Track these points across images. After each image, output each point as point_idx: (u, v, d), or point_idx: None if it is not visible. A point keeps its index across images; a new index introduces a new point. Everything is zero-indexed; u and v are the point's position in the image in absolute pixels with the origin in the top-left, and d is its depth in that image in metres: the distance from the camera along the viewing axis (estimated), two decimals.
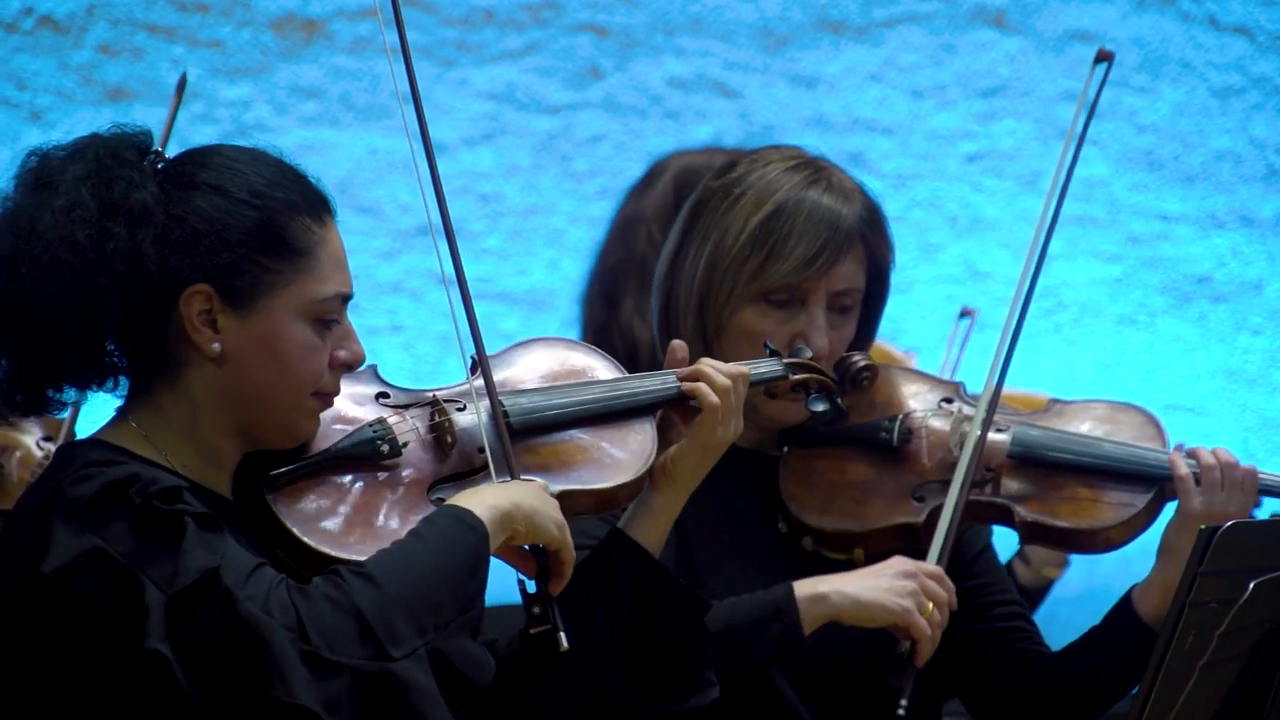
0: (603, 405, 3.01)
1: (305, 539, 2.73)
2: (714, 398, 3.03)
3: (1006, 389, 3.55)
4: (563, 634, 2.75)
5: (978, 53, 6.11)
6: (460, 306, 2.87)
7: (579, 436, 2.98)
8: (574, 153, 6.01)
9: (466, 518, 2.67)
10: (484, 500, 2.70)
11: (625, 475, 2.97)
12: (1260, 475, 3.50)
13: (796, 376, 3.29)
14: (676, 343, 3.14)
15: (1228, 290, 6.13)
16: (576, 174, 6.02)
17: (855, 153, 6.05)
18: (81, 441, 2.72)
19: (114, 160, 2.67)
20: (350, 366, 2.78)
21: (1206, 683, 2.83)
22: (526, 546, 2.79)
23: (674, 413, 3.08)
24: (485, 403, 2.89)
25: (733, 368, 3.08)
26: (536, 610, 2.78)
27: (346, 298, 2.77)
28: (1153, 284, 6.13)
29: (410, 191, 5.89)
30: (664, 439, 3.05)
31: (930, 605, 3.32)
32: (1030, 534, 3.52)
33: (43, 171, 2.67)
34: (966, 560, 3.58)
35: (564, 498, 2.90)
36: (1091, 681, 3.48)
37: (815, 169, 3.49)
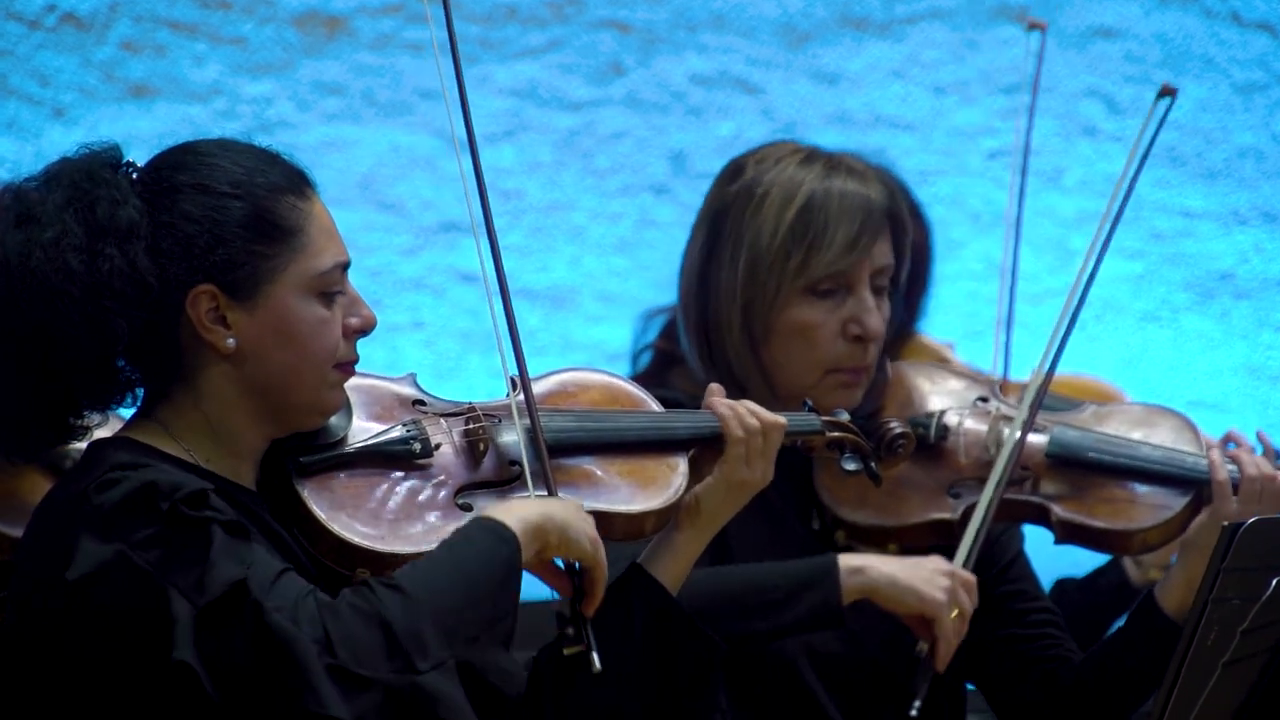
0: (637, 434, 3.01)
1: (330, 526, 2.74)
2: (739, 431, 3.01)
3: (1071, 377, 3.54)
4: (595, 654, 2.76)
5: (1000, 49, 6.10)
6: (504, 323, 2.89)
7: (610, 461, 2.98)
8: (596, 149, 6.01)
9: (498, 529, 2.66)
10: (515, 512, 2.70)
11: (653, 503, 2.96)
12: None
13: (832, 434, 3.27)
14: (714, 385, 3.12)
15: (1250, 287, 6.12)
16: (598, 170, 6.02)
17: (877, 149, 6.03)
18: (108, 441, 2.71)
19: (91, 182, 2.66)
20: (363, 332, 2.78)
21: (1229, 680, 2.82)
22: (561, 564, 2.79)
23: (707, 451, 3.06)
24: (523, 420, 2.90)
25: (766, 415, 3.06)
26: (570, 631, 2.79)
27: (345, 265, 2.77)
28: (1175, 280, 6.12)
29: (433, 188, 5.91)
30: (696, 479, 3.04)
31: (957, 610, 3.33)
32: (1066, 534, 3.52)
33: (22, 207, 2.65)
34: (1002, 565, 3.59)
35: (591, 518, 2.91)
36: (1120, 681, 3.47)
37: (828, 158, 3.53)
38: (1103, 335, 6.12)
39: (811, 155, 3.53)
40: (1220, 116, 6.11)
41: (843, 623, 3.33)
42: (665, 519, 2.99)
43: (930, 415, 3.52)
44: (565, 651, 2.78)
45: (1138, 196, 6.07)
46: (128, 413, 2.77)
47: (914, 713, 3.36)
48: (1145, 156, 3.25)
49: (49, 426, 2.71)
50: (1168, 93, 3.32)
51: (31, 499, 3.31)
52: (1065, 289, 6.11)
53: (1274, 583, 2.79)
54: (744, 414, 3.04)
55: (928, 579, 3.35)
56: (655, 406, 3.09)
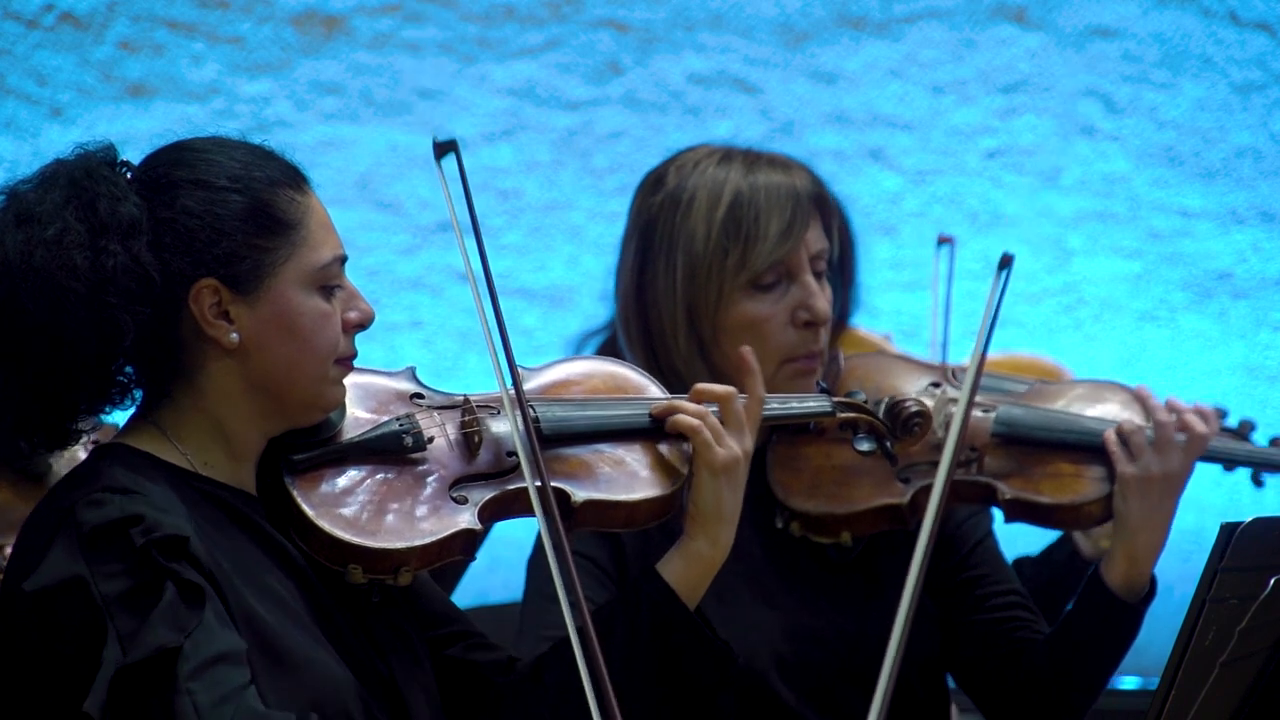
0: (637, 421, 3.00)
1: (319, 523, 2.73)
2: (689, 420, 2.97)
3: (1015, 356, 3.54)
4: None
5: (998, 48, 6.10)
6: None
7: (608, 449, 2.96)
8: (594, 149, 6.01)
9: None
10: None
11: (651, 490, 2.95)
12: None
13: (844, 415, 3.26)
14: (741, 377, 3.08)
15: (1248, 286, 6.12)
16: (596, 170, 6.02)
17: (876, 148, 6.05)
18: (108, 449, 2.71)
19: (90, 179, 2.66)
20: (362, 326, 2.78)
21: (1227, 679, 2.82)
22: None
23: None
24: (516, 410, 2.87)
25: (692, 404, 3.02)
26: None
27: (343, 259, 2.77)
28: (1173, 280, 6.13)
29: (430, 187, 5.91)
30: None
31: None
32: (1013, 512, 3.52)
33: (20, 207, 2.65)
34: (964, 552, 3.59)
35: (588, 507, 2.89)
36: (1077, 661, 3.47)
37: (747, 155, 3.53)
38: (1101, 335, 6.12)
39: (729, 154, 3.53)
40: (1218, 116, 6.11)
41: None
42: (663, 507, 2.96)
43: (879, 402, 3.49)
44: None
45: (1135, 195, 6.10)
46: (121, 417, 2.77)
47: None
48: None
49: (43, 430, 2.70)
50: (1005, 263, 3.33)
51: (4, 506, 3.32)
52: (1062, 288, 6.13)
53: (1272, 582, 2.79)
54: (680, 403, 3.00)
55: None
56: (659, 393, 3.07)
